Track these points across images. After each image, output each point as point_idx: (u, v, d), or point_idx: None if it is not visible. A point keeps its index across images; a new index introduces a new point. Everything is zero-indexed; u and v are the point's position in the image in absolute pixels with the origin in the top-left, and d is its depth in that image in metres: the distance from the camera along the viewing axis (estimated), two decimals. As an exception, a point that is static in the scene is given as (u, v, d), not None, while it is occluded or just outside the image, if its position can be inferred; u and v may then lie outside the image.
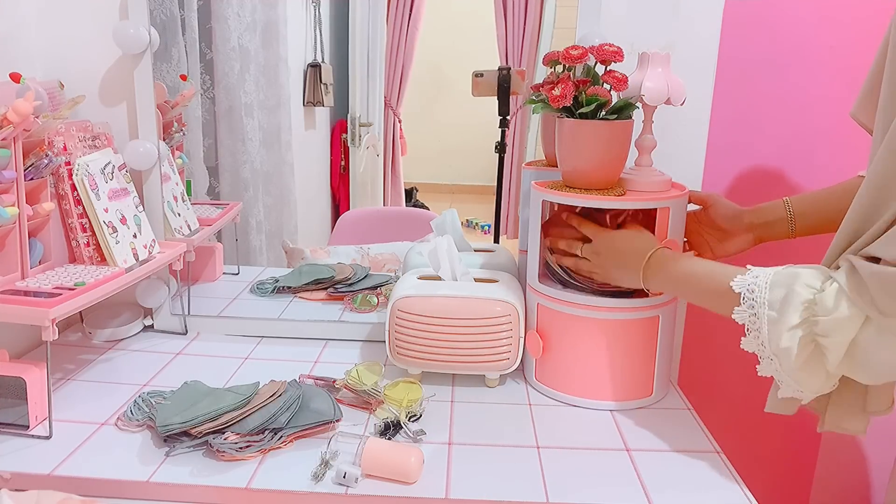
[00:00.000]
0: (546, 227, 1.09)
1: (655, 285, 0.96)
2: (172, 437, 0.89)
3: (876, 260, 0.73)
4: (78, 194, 1.07)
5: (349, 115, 1.51)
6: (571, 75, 1.00)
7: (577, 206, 1.06)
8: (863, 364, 0.74)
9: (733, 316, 0.81)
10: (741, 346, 0.81)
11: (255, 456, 0.87)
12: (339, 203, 1.57)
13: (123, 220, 1.11)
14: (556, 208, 1.12)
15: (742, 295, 0.80)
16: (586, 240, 1.02)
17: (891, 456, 0.92)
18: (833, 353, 0.75)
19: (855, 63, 1.25)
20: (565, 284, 1.06)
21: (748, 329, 0.80)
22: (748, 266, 0.82)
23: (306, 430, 0.91)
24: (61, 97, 1.16)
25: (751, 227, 1.09)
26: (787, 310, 0.76)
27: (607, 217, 1.06)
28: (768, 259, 0.91)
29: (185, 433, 0.89)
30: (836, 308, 0.73)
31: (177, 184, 1.30)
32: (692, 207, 1.12)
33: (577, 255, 1.03)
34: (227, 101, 1.40)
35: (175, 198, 1.28)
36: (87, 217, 1.08)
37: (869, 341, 0.73)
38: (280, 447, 0.89)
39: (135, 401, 0.98)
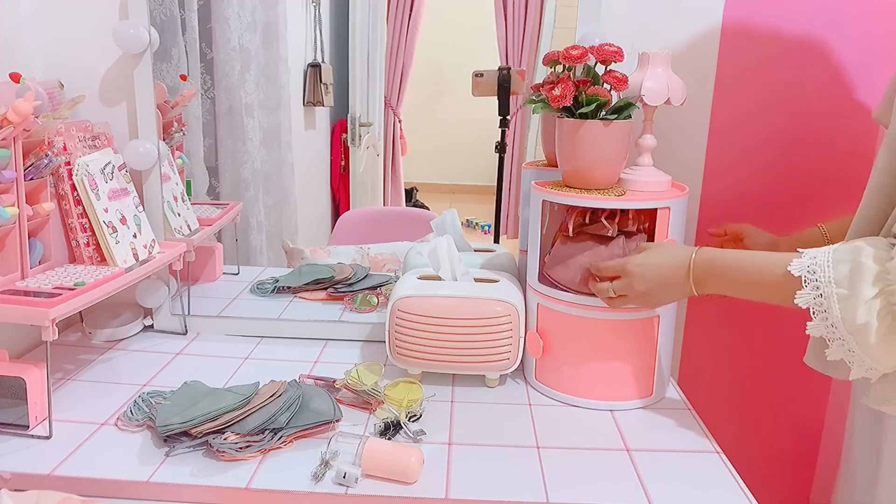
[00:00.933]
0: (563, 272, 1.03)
1: (707, 289, 0.90)
2: (172, 438, 0.89)
3: None
4: (78, 194, 1.07)
5: (349, 115, 1.51)
6: (571, 75, 1.00)
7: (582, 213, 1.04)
8: None
9: (796, 301, 0.77)
10: (807, 331, 0.77)
11: (255, 456, 0.87)
12: (339, 203, 1.57)
13: (123, 220, 1.11)
14: (567, 214, 1.12)
15: (803, 278, 0.76)
16: (614, 277, 0.96)
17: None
18: None
19: (855, 63, 1.25)
20: None
21: (814, 312, 0.76)
22: (799, 250, 0.79)
23: (306, 430, 0.91)
24: (61, 97, 1.16)
25: None
26: (858, 284, 0.73)
27: (602, 217, 1.05)
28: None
29: (186, 433, 0.89)
30: None
31: (177, 184, 1.30)
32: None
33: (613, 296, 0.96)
34: (227, 101, 1.40)
35: (175, 198, 1.28)
36: (87, 217, 1.08)
37: None
38: (280, 447, 0.89)
39: (135, 401, 0.98)
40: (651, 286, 0.92)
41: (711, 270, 0.88)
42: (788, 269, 0.78)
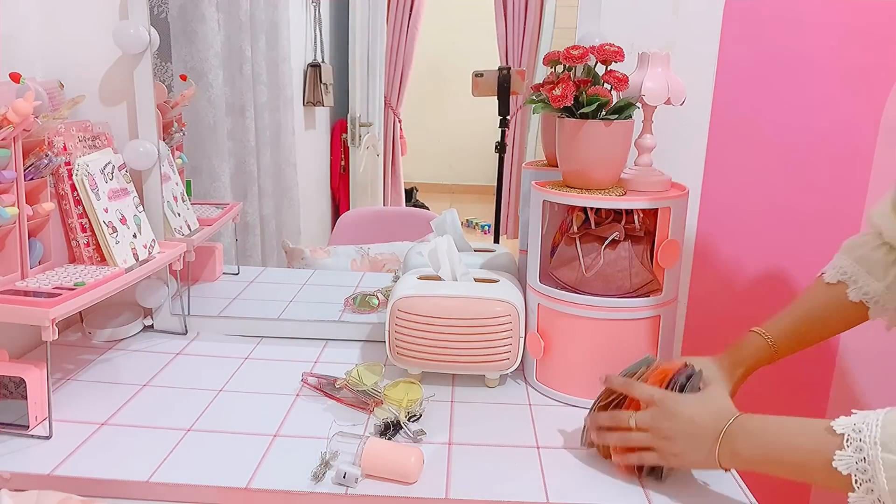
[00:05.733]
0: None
1: (735, 459, 0.75)
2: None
3: None
4: (78, 194, 1.07)
5: (349, 115, 1.51)
6: (572, 75, 1.00)
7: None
8: None
9: (834, 464, 0.64)
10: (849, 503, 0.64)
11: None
12: (339, 203, 1.57)
13: (123, 220, 1.11)
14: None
15: (846, 436, 0.64)
16: (637, 406, 0.83)
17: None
18: None
19: (855, 63, 1.25)
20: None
21: (857, 481, 0.62)
22: (853, 410, 0.67)
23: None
24: (61, 97, 1.16)
25: (742, 377, 0.95)
26: None
27: (592, 216, 1.04)
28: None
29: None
30: None
31: (177, 184, 1.30)
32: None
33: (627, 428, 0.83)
34: (227, 102, 1.40)
35: (175, 198, 1.28)
36: (87, 217, 1.08)
37: None
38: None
39: None
40: (678, 432, 0.78)
41: (742, 432, 0.74)
42: (831, 424, 0.65)
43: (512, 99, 1.42)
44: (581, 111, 0.98)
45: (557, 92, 0.97)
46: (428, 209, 1.64)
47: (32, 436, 0.91)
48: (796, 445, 0.69)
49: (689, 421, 0.77)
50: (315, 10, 1.47)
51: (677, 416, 0.78)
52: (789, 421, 0.72)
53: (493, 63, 1.44)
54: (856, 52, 1.24)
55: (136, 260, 1.11)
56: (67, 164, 1.06)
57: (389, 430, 0.93)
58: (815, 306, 0.96)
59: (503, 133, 1.44)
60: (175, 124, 1.31)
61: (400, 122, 1.57)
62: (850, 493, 0.63)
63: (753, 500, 0.83)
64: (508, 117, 1.43)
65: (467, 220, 1.65)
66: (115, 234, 1.08)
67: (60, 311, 0.90)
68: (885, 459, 0.60)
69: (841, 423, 0.65)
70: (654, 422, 0.80)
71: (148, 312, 1.30)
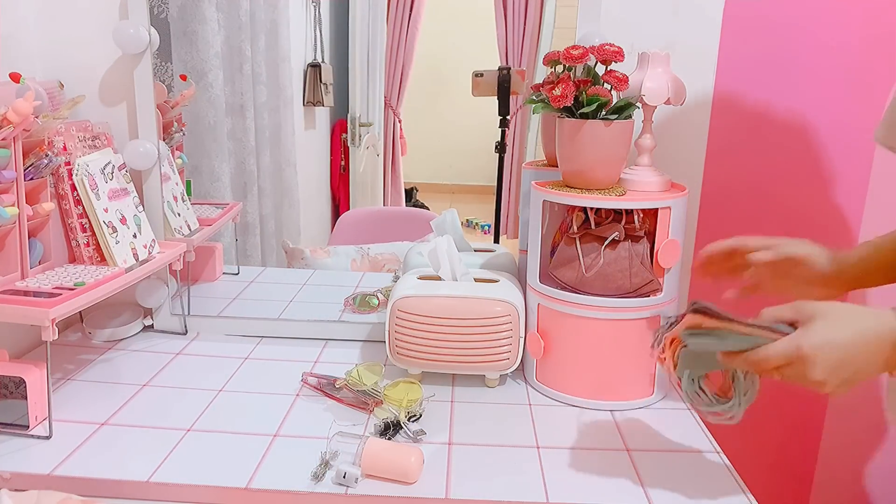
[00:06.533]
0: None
1: None
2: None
3: None
4: (78, 194, 1.07)
5: (349, 115, 1.51)
6: (572, 75, 1.00)
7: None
8: None
9: None
10: None
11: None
12: (339, 203, 1.57)
13: (123, 220, 1.11)
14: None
15: None
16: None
17: (890, 456, 0.91)
18: None
19: (855, 63, 1.25)
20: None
21: None
22: None
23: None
24: (61, 97, 1.16)
25: (853, 280, 0.87)
26: None
27: (592, 216, 1.04)
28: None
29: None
30: None
31: (177, 184, 1.30)
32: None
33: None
34: (227, 102, 1.40)
35: (175, 198, 1.28)
36: (87, 217, 1.08)
37: None
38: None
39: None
40: (836, 372, 0.66)
41: None
42: None
43: (512, 99, 1.42)
44: (581, 111, 0.98)
45: (557, 92, 0.97)
46: (428, 209, 1.64)
47: (32, 436, 0.91)
48: None
49: (846, 350, 0.67)
50: (315, 10, 1.47)
51: (828, 359, 0.66)
52: None
53: (493, 63, 1.44)
54: (856, 52, 1.24)
55: (136, 260, 1.11)
56: (67, 164, 1.07)
57: (389, 430, 0.93)
58: (885, 242, 0.89)
59: (503, 133, 1.44)
60: (175, 124, 1.31)
61: (400, 122, 1.57)
62: None
63: (753, 500, 0.83)
64: (508, 117, 1.43)
65: (467, 220, 1.65)
66: (115, 234, 1.08)
67: (60, 311, 0.90)
68: None
69: None
70: (802, 377, 0.68)
71: (148, 312, 1.30)
